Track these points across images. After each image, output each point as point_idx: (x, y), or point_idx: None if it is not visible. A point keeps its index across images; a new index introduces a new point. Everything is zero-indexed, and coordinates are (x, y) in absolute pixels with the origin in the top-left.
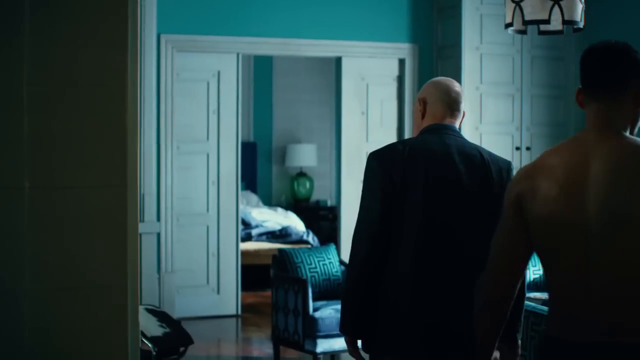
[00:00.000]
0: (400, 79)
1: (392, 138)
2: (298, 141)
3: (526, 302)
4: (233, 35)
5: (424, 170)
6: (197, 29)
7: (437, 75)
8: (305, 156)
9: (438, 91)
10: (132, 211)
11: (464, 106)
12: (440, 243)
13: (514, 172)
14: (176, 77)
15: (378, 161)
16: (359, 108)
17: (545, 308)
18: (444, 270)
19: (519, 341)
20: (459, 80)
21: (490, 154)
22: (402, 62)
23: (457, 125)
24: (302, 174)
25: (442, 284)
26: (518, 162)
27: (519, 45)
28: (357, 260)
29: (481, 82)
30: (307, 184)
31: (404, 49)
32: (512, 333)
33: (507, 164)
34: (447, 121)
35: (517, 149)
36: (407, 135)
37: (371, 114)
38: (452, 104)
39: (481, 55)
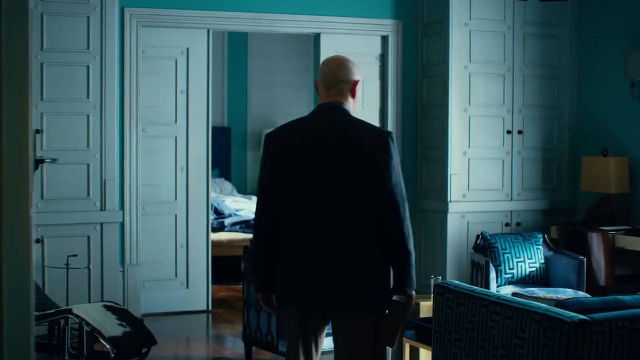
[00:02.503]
0: (383, 58)
1: (374, 120)
2: (274, 126)
3: (537, 304)
4: (203, 10)
5: (302, 147)
6: (165, 2)
7: (422, 54)
8: None
9: (319, 73)
10: None
11: (353, 76)
12: (316, 208)
13: (394, 140)
14: (141, 54)
15: (269, 140)
16: None
17: (563, 312)
18: (320, 232)
19: (411, 293)
20: (445, 59)
21: (368, 128)
22: (385, 40)
23: (343, 99)
24: None
25: (319, 243)
26: (509, 146)
27: (511, 21)
28: (255, 224)
29: (470, 61)
30: None
31: (387, 25)
32: (401, 285)
33: (384, 136)
34: (329, 99)
35: (509, 132)
36: (390, 117)
37: None
38: (327, 83)
39: (470, 32)
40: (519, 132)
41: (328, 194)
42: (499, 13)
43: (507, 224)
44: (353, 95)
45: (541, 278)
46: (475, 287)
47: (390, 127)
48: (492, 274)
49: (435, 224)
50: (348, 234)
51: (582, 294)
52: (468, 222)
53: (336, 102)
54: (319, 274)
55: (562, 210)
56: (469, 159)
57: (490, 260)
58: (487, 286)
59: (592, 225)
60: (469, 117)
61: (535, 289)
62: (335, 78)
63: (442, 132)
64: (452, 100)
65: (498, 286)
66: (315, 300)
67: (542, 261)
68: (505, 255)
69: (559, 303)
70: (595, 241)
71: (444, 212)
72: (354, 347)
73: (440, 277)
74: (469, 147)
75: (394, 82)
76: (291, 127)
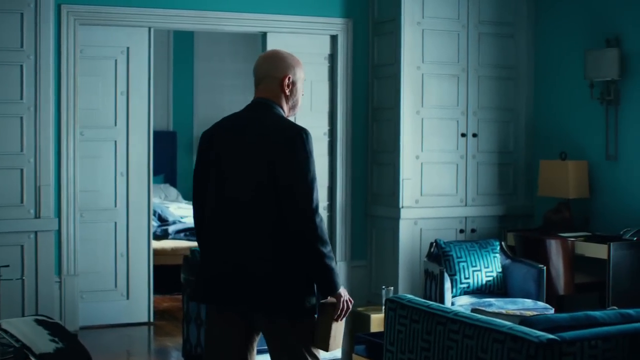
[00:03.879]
0: (333, 58)
1: (323, 122)
2: None
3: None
4: (144, 7)
5: (222, 146)
6: None
7: (373, 54)
8: None
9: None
10: None
11: (282, 71)
12: (227, 208)
13: (308, 138)
14: (79, 53)
15: (201, 139)
16: None
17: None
18: (230, 232)
19: (335, 294)
20: (397, 59)
21: (281, 125)
22: (334, 39)
23: (270, 95)
24: None
25: (229, 244)
26: (464, 150)
27: (465, 20)
28: (195, 225)
29: (423, 61)
30: None
31: (336, 24)
32: (321, 288)
33: (294, 133)
34: (257, 95)
35: (463, 135)
36: (340, 119)
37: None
38: (255, 79)
39: (423, 31)
40: (474, 135)
41: (238, 193)
42: (453, 11)
43: (461, 231)
44: (283, 91)
45: (499, 288)
46: (431, 303)
47: (339, 130)
48: (447, 284)
49: (387, 231)
50: (257, 235)
51: (541, 304)
52: (421, 229)
53: (262, 97)
54: (228, 273)
55: (518, 216)
56: (421, 163)
57: (444, 270)
58: (442, 297)
59: (550, 232)
60: (422, 119)
61: (492, 300)
62: (262, 73)
63: (394, 135)
64: (404, 102)
65: (453, 296)
66: (226, 298)
67: (500, 270)
68: (461, 264)
69: (524, 320)
70: (554, 248)
71: (396, 218)
72: (275, 354)
73: (392, 287)
74: (422, 150)
75: (343, 83)
76: (219, 125)
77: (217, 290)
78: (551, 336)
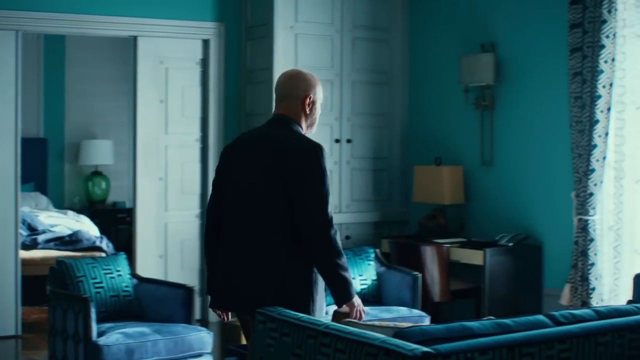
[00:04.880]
0: (205, 62)
1: (195, 129)
2: (93, 137)
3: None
4: (11, 10)
5: (241, 158)
6: None
7: (245, 58)
8: (101, 153)
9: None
10: None
11: (303, 91)
12: (240, 217)
13: (322, 154)
14: None
15: (222, 151)
16: (157, 96)
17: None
18: (241, 244)
19: (349, 303)
20: (270, 64)
21: (297, 141)
22: (206, 43)
23: (291, 113)
24: (97, 173)
25: (238, 252)
26: (338, 155)
27: (339, 24)
28: (205, 235)
29: (296, 66)
30: (103, 184)
31: (208, 29)
32: (334, 298)
33: (309, 149)
34: (276, 112)
35: (337, 141)
36: (212, 125)
37: (171, 103)
38: (277, 96)
39: (296, 35)
40: (348, 140)
41: (252, 205)
42: (327, 16)
43: None
44: (304, 110)
45: (373, 296)
46: (301, 315)
47: (211, 136)
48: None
49: None
50: (263, 244)
51: (417, 312)
52: None
53: (282, 115)
54: (236, 278)
55: (393, 222)
56: None
57: None
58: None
59: (425, 238)
60: None
61: (367, 308)
62: (285, 91)
63: None
64: None
65: (327, 305)
66: (229, 301)
67: (375, 278)
68: None
69: (398, 333)
70: (429, 255)
71: None
72: None
73: None
74: None
75: (216, 89)
76: (239, 139)
77: (231, 297)
78: (426, 349)
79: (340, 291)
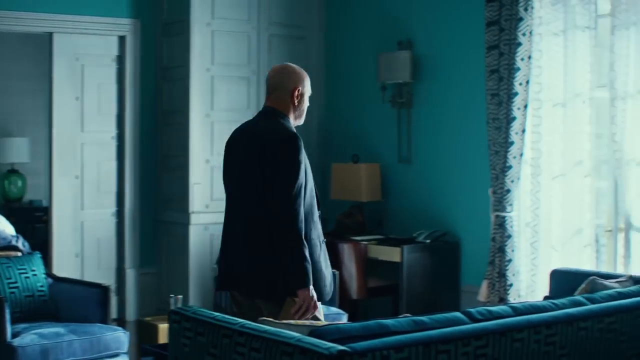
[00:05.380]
0: (121, 59)
1: (111, 127)
2: (9, 135)
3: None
4: None
5: (234, 149)
6: None
7: (161, 55)
8: (17, 151)
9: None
10: None
11: (292, 83)
12: (233, 210)
13: (297, 145)
14: None
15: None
16: (72, 93)
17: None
18: (234, 228)
19: (299, 291)
20: (186, 61)
21: (276, 130)
22: (122, 40)
23: (279, 105)
24: (13, 171)
25: (232, 237)
26: None
27: (256, 21)
28: None
29: (212, 63)
30: (20, 183)
31: (124, 25)
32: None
33: (288, 137)
34: (267, 104)
35: None
36: (128, 123)
37: (87, 100)
38: (267, 89)
39: (213, 32)
40: None
41: (243, 193)
42: (244, 13)
43: None
44: (292, 102)
45: None
46: (217, 314)
47: (128, 133)
48: None
49: (177, 237)
50: (250, 229)
51: (334, 309)
52: (211, 235)
53: (271, 106)
54: (235, 265)
55: None
56: (212, 167)
57: None
58: (232, 304)
59: (343, 236)
60: (212, 122)
61: None
62: (274, 84)
63: (184, 138)
64: (194, 105)
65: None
66: (228, 282)
67: None
68: None
69: (314, 331)
70: (347, 252)
71: (186, 224)
72: None
73: (181, 296)
74: (212, 154)
75: (132, 86)
76: (235, 131)
77: (231, 281)
78: (342, 347)
79: (295, 277)
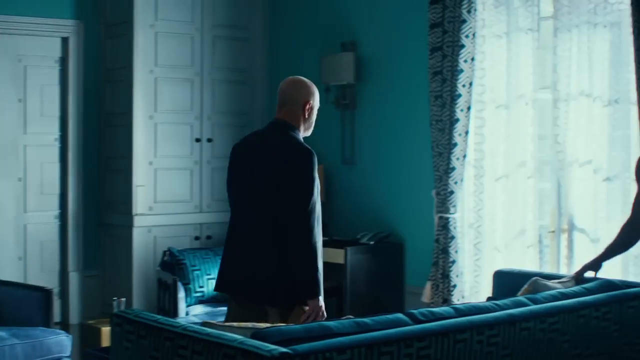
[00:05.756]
0: (64, 61)
1: (54, 129)
2: None
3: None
4: None
5: (245, 158)
6: None
7: (105, 57)
8: None
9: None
10: None
11: (303, 97)
12: (241, 217)
13: (313, 161)
14: None
15: (231, 152)
16: (15, 94)
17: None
18: (241, 236)
19: (311, 300)
20: (129, 63)
21: (293, 145)
22: (65, 41)
23: (290, 118)
24: None
25: (240, 244)
26: (199, 155)
27: (199, 23)
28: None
29: (156, 65)
30: None
31: (67, 26)
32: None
33: (302, 154)
34: (277, 116)
35: (197, 140)
36: (72, 125)
37: (30, 102)
38: (279, 102)
39: (156, 34)
40: (209, 140)
41: (253, 202)
42: (187, 14)
43: (196, 238)
44: (303, 115)
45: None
46: (159, 317)
47: (71, 135)
48: (181, 294)
49: (120, 240)
50: (265, 239)
51: None
52: (155, 237)
53: (282, 119)
54: (241, 272)
55: None
56: (155, 169)
57: (178, 279)
58: (176, 307)
59: None
60: (155, 124)
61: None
62: (286, 97)
63: (127, 140)
64: (137, 107)
65: (188, 306)
66: (237, 291)
67: None
68: (195, 272)
69: (256, 333)
70: None
71: (129, 226)
72: None
73: (124, 299)
74: (156, 156)
75: (75, 88)
76: (245, 139)
77: (237, 287)
78: (284, 350)
79: (307, 287)
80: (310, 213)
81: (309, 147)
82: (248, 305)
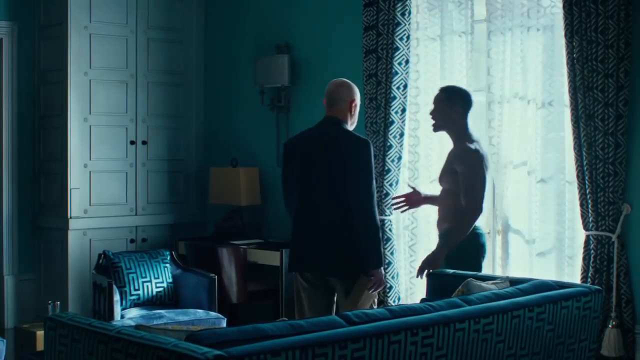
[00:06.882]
0: None
1: None
2: None
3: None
4: None
5: (306, 150)
6: None
7: (39, 59)
8: None
9: (325, 92)
10: None
11: (350, 96)
12: (307, 203)
13: (371, 149)
14: None
15: (284, 147)
16: None
17: (195, 347)
18: (310, 219)
19: (373, 270)
20: (64, 65)
21: (351, 136)
22: None
23: (341, 115)
24: None
25: (309, 226)
26: (134, 157)
27: (134, 25)
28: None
29: (90, 67)
30: None
31: (1, 28)
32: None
33: (360, 143)
34: (328, 114)
35: (132, 143)
36: (5, 128)
37: None
38: (328, 100)
39: (90, 35)
40: (144, 142)
41: (320, 187)
42: (122, 16)
43: (132, 240)
44: (350, 112)
45: (170, 298)
46: (93, 320)
47: (5, 138)
48: (116, 297)
49: (55, 243)
50: (333, 219)
51: (213, 314)
52: (90, 240)
53: (333, 116)
54: (316, 248)
55: (190, 224)
56: (90, 172)
57: (113, 282)
58: (111, 310)
59: (222, 240)
60: (90, 127)
61: (163, 311)
62: (336, 97)
63: (62, 143)
64: (72, 109)
65: (123, 309)
66: (305, 265)
67: (170, 280)
68: (130, 275)
69: (190, 336)
70: (226, 257)
71: (64, 229)
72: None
73: (59, 302)
74: (91, 159)
75: (9, 90)
76: (300, 136)
77: (311, 264)
78: (218, 352)
79: (373, 259)
80: (373, 195)
81: (367, 138)
82: (317, 281)
